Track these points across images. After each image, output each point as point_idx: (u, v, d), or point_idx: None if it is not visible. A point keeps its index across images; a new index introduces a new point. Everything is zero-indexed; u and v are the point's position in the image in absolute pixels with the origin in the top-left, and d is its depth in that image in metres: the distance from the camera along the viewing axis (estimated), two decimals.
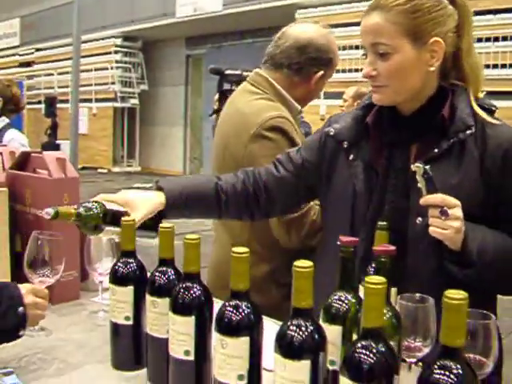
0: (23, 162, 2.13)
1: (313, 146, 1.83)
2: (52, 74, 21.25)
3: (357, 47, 12.37)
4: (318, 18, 13.14)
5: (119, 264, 1.47)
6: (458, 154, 1.55)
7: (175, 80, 17.93)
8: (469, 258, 1.45)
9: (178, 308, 1.25)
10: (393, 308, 1.18)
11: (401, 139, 1.64)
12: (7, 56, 25.03)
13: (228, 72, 3.34)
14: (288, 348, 1.04)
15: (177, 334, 1.25)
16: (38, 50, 22.76)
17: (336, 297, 1.20)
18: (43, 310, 1.49)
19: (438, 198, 1.42)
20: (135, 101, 19.67)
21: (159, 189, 1.70)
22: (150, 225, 1.62)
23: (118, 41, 19.28)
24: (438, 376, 0.90)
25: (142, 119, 20.00)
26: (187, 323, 1.24)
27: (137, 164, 20.45)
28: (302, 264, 1.03)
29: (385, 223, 1.38)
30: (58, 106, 18.31)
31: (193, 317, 1.24)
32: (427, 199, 1.43)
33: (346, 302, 1.19)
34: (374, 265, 1.23)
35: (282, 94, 2.24)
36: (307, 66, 2.23)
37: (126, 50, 19.45)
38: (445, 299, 0.91)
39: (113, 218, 1.59)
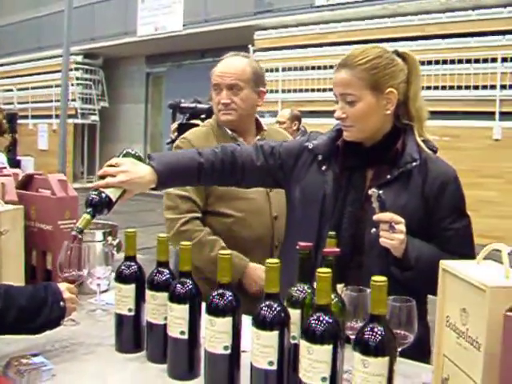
0: (27, 182, 2.46)
1: (291, 151, 2.20)
2: (11, 90, 21.24)
3: (313, 67, 12.85)
4: (275, 40, 13.63)
5: (123, 267, 1.85)
6: (406, 181, 1.98)
7: (136, 97, 18.27)
8: (408, 263, 1.87)
9: (176, 298, 1.63)
10: (339, 296, 1.58)
11: (360, 164, 2.06)
12: None
13: (183, 105, 3.71)
14: (261, 322, 1.43)
15: (174, 318, 1.63)
16: None
17: (296, 288, 1.59)
18: (75, 303, 1.83)
19: (388, 215, 1.83)
20: (95, 117, 19.84)
21: (151, 165, 2.01)
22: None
23: (79, 58, 19.45)
24: (367, 334, 1.30)
25: (103, 136, 20.15)
26: (183, 310, 1.62)
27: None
28: (272, 260, 1.44)
29: (333, 233, 1.79)
30: (18, 121, 18.28)
31: (187, 305, 1.62)
32: (379, 216, 1.84)
33: (304, 291, 1.58)
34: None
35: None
36: None
37: (86, 67, 19.64)
38: (372, 282, 1.31)
39: (115, 200, 1.92)
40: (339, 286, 1.64)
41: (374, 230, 1.91)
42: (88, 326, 2.05)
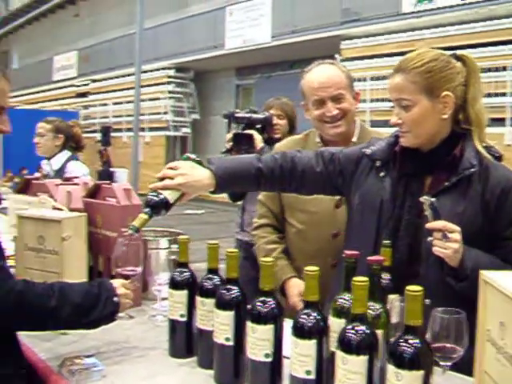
0: (95, 191, 2.55)
1: (351, 157, 2.17)
2: (107, 104, 21.99)
3: None
4: (362, 49, 13.50)
5: (176, 273, 1.87)
6: (465, 188, 1.91)
7: (226, 109, 18.51)
8: (463, 273, 1.80)
9: (221, 304, 1.64)
10: (384, 307, 1.53)
11: (418, 171, 2.01)
12: (65, 87, 26.03)
13: (238, 115, 3.71)
14: (300, 330, 1.41)
15: (219, 324, 1.64)
16: (93, 81, 23.62)
17: (341, 297, 1.56)
18: (130, 299, 1.88)
19: (441, 224, 1.77)
20: (187, 129, 20.25)
21: (210, 169, 2.03)
22: None
23: (171, 72, 19.93)
24: (401, 346, 1.26)
25: (194, 147, 20.53)
26: (228, 316, 1.62)
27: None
28: (311, 268, 1.42)
29: (388, 242, 1.76)
30: (112, 134, 18.88)
31: (233, 311, 1.62)
32: (432, 225, 1.79)
33: (350, 301, 1.55)
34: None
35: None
36: None
37: (178, 80, 20.09)
38: (406, 292, 1.27)
39: (174, 202, 1.96)
40: (392, 297, 1.60)
41: (430, 238, 1.86)
42: (146, 331, 2.09)
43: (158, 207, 1.92)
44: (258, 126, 3.61)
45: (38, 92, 27.87)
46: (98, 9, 24.80)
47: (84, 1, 26.95)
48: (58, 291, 1.71)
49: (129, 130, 20.92)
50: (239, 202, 3.92)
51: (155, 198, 1.92)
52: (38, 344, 1.92)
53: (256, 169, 2.08)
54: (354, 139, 2.54)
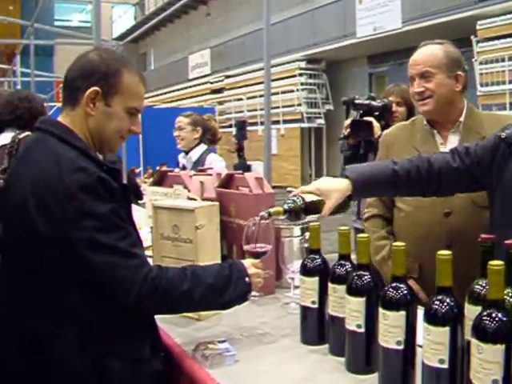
0: (228, 181, 2.60)
1: (487, 146, 2.09)
2: (241, 99, 22.38)
3: None
4: (500, 28, 12.83)
5: (308, 260, 1.87)
6: None
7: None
8: None
9: (352, 290, 1.62)
10: None
11: None
12: (200, 84, 26.79)
13: (357, 102, 3.63)
14: (432, 317, 1.37)
15: (351, 311, 1.62)
16: (227, 77, 24.11)
17: (477, 283, 1.49)
18: (260, 277, 1.91)
19: None
20: (321, 121, 20.19)
21: (346, 177, 2.03)
22: (341, 205, 1.99)
23: (302, 63, 19.97)
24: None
25: (329, 138, 20.45)
26: (359, 303, 1.60)
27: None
28: (444, 252, 1.38)
29: None
30: (248, 128, 19.09)
31: (364, 298, 1.60)
32: None
33: (486, 287, 1.48)
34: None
35: None
36: None
37: (310, 72, 20.10)
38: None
39: (312, 207, 1.94)
40: None
41: None
42: (278, 318, 2.11)
43: (296, 210, 1.92)
44: (377, 114, 3.55)
45: (174, 90, 28.90)
46: (228, 6, 25.30)
47: (214, 0, 27.62)
48: (190, 274, 1.76)
49: (263, 123, 21.17)
50: None
51: (292, 202, 1.92)
52: (173, 329, 2.00)
53: (392, 170, 2.06)
54: (461, 119, 2.47)
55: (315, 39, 18.78)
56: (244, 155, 16.48)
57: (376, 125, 3.44)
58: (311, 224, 1.90)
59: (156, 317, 1.88)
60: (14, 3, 23.32)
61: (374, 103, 3.60)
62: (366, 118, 3.49)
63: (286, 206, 1.90)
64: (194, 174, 2.67)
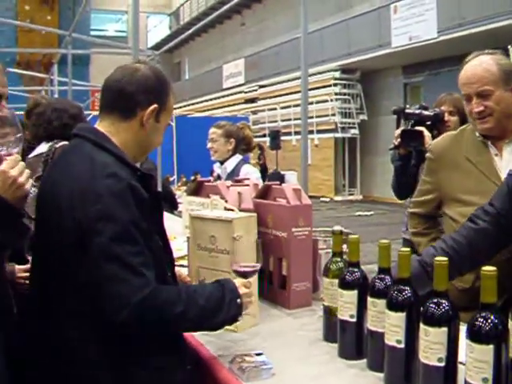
0: (265, 192, 2.58)
1: (501, 193, 2.08)
2: (275, 109, 22.39)
3: None
4: None
5: (346, 272, 1.85)
6: None
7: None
8: None
9: (392, 305, 1.59)
10: None
11: None
12: (234, 94, 26.90)
13: (408, 111, 3.56)
14: (476, 334, 1.34)
15: (391, 326, 1.59)
16: (261, 86, 24.16)
17: None
18: (250, 298, 1.89)
19: None
20: (355, 131, 20.14)
21: None
22: None
23: (337, 74, 19.93)
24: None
25: (363, 149, 20.37)
26: (399, 318, 1.58)
27: (358, 193, 20.78)
28: (489, 268, 1.35)
29: None
30: (282, 138, 19.08)
31: (404, 313, 1.57)
32: None
33: None
34: None
35: None
36: None
37: (344, 82, 20.05)
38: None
39: None
40: None
41: None
42: (315, 331, 2.08)
43: None
44: (428, 123, 3.48)
45: (208, 100, 29.05)
46: (262, 16, 25.39)
47: (249, 9, 27.70)
48: (185, 296, 1.73)
49: (297, 133, 21.18)
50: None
51: None
52: (209, 340, 1.99)
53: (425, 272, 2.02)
54: (507, 140, 2.41)
55: (350, 49, 18.75)
56: (264, 165, 16.35)
57: (427, 134, 3.37)
58: (350, 236, 1.88)
59: None
60: (51, 13, 23.64)
61: (425, 112, 3.53)
62: (416, 128, 3.43)
63: None
64: (232, 185, 2.67)
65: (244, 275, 1.94)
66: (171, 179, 14.70)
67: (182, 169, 16.62)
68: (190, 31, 17.49)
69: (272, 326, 2.15)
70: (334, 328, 1.90)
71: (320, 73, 20.31)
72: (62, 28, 20.46)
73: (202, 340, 1.99)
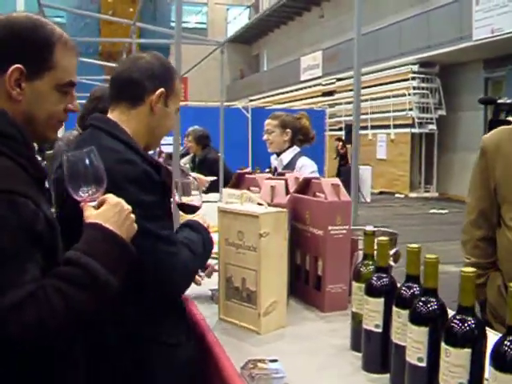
0: (305, 186, 2.43)
1: None
2: (352, 102, 22.05)
3: None
4: None
5: (374, 278, 1.68)
6: None
7: (474, 104, 17.45)
8: None
9: (415, 318, 1.42)
10: None
11: None
12: (311, 86, 26.69)
13: (500, 101, 3.35)
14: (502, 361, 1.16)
15: (412, 341, 1.42)
16: (338, 79, 23.85)
17: None
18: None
19: None
20: (433, 126, 19.62)
21: None
22: None
23: (415, 67, 19.44)
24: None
25: (440, 145, 19.81)
26: (422, 332, 1.40)
27: (434, 190, 20.25)
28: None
29: None
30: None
31: (427, 328, 1.40)
32: None
33: None
34: None
35: None
36: None
37: (422, 75, 19.53)
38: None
39: None
40: None
41: None
42: (346, 338, 1.91)
43: None
44: None
45: (286, 92, 28.91)
46: (341, 9, 24.99)
47: (328, 2, 27.37)
48: (193, 247, 1.95)
49: (373, 127, 20.80)
50: None
51: None
52: (229, 341, 1.90)
53: None
54: None
55: (429, 42, 18.20)
56: (346, 159, 16.23)
57: None
58: (379, 239, 1.70)
59: (219, 328, 2.01)
60: (133, 5, 24.02)
61: None
62: (508, 118, 3.23)
63: None
64: (268, 178, 2.53)
65: (193, 210, 2.11)
66: (246, 171, 14.64)
67: (257, 160, 16.57)
68: (269, 23, 17.39)
69: (300, 330, 2.02)
70: (360, 337, 1.74)
71: (397, 66, 19.87)
72: (142, 20, 20.78)
73: (221, 340, 1.90)
